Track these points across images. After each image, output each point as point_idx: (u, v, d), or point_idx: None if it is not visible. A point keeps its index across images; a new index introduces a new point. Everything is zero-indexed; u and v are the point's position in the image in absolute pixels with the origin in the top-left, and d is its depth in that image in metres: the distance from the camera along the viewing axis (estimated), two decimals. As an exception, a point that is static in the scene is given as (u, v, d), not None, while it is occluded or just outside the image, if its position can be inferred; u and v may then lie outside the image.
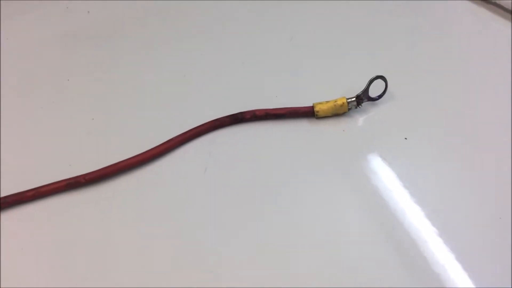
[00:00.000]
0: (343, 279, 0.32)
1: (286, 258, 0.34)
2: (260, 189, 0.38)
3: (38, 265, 0.34)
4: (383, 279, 0.32)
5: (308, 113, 0.41)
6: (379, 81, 0.41)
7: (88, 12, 0.54)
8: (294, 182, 0.38)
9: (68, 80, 0.47)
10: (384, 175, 0.38)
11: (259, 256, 0.34)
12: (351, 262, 0.33)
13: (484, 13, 0.51)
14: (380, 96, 0.42)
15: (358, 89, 0.41)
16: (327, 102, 0.41)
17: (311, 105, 0.41)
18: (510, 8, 0.50)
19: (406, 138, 0.40)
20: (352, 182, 0.38)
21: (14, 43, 0.51)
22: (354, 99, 0.41)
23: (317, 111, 0.41)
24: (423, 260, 0.33)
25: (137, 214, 0.37)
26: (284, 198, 0.37)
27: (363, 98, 0.41)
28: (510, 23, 0.49)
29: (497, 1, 0.50)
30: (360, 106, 0.41)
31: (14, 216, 0.37)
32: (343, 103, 0.41)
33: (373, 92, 0.42)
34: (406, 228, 0.35)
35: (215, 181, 0.38)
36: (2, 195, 0.37)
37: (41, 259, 0.35)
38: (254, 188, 0.38)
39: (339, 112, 0.41)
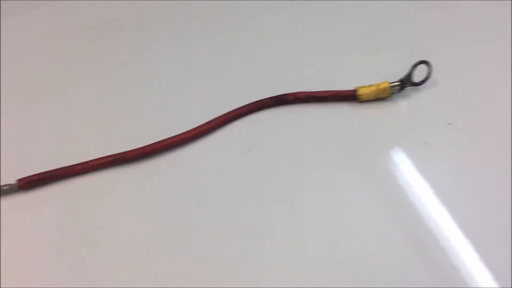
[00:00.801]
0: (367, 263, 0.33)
1: (324, 241, 0.34)
2: (300, 172, 0.38)
3: (85, 235, 0.36)
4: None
5: (350, 96, 0.41)
6: (422, 67, 0.41)
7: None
8: (335, 166, 0.38)
9: (115, 58, 0.48)
10: (426, 160, 0.38)
11: (295, 236, 0.34)
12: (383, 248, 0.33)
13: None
14: (423, 81, 0.42)
15: (400, 75, 0.41)
16: (370, 86, 0.41)
17: (353, 88, 0.41)
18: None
19: (449, 124, 0.39)
20: (393, 167, 0.38)
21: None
22: (397, 83, 0.41)
23: (360, 95, 0.41)
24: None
25: (180, 192, 0.38)
26: (324, 181, 0.37)
27: (406, 82, 0.41)
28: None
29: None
30: (403, 90, 0.41)
31: (64, 188, 0.38)
32: (385, 87, 0.41)
33: (415, 78, 0.41)
34: (442, 215, 0.34)
35: (258, 162, 0.39)
36: (53, 168, 0.38)
37: (89, 229, 0.36)
38: (295, 171, 0.38)
39: (381, 96, 0.41)
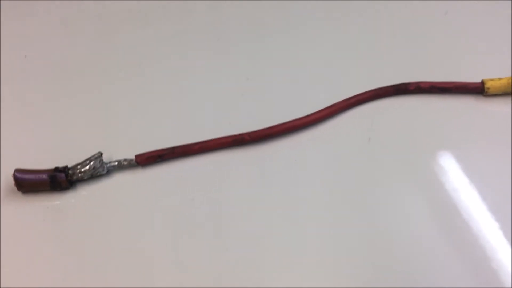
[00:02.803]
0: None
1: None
2: (423, 162, 0.37)
3: (197, 209, 0.35)
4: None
5: (476, 89, 0.39)
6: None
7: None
8: (457, 158, 0.37)
9: (219, 39, 0.46)
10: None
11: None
12: None
13: None
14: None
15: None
16: (500, 79, 0.39)
17: (481, 81, 0.39)
18: None
19: None
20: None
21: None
22: (532, 77, 0.39)
23: (488, 88, 0.39)
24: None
25: (296, 175, 0.37)
26: (445, 174, 0.36)
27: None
28: None
29: None
30: (534, 85, 0.39)
31: (181, 167, 0.37)
32: (519, 81, 0.39)
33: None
34: None
35: (378, 150, 0.38)
36: (172, 145, 0.38)
37: (203, 209, 0.35)
38: (417, 161, 0.37)
39: (510, 91, 0.39)
